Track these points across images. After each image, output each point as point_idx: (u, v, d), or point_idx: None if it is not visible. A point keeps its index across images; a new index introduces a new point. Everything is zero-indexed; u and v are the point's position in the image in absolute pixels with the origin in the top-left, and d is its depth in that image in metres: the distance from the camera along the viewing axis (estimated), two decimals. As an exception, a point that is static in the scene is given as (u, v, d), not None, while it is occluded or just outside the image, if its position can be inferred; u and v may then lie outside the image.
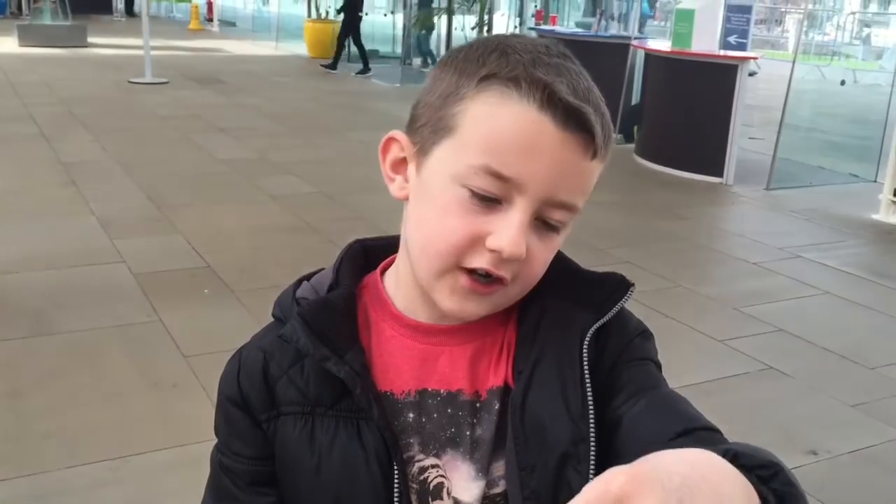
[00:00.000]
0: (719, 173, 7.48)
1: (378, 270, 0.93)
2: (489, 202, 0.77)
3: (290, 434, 0.85)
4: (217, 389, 0.91)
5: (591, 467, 0.81)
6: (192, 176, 6.83)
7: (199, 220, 5.62)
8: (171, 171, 6.93)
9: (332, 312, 0.85)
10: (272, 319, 0.93)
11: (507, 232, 0.76)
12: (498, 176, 0.76)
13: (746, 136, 8.48)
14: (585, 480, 0.79)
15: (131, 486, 2.79)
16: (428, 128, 0.81)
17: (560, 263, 0.91)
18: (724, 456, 0.63)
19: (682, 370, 3.66)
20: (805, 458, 3.13)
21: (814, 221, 6.51)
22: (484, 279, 0.79)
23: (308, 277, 0.93)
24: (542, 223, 0.79)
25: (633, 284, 0.90)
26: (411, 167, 0.83)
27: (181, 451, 2.94)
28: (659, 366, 0.91)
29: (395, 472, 0.82)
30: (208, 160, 7.41)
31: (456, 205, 0.78)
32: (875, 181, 7.63)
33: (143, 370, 3.56)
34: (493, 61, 0.77)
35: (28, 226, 5.33)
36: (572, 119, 0.76)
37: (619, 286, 0.89)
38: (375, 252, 0.93)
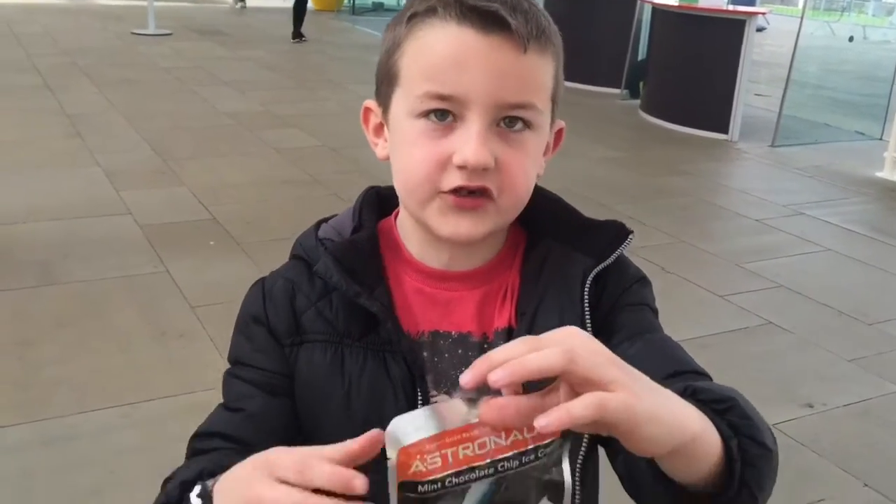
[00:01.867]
0: (724, 130, 7.45)
1: (392, 216, 0.97)
2: (444, 121, 0.81)
3: (319, 360, 0.88)
4: (238, 314, 0.94)
5: (583, 448, 0.86)
6: (196, 128, 6.83)
7: (203, 172, 5.64)
8: (175, 123, 6.92)
9: (359, 252, 0.90)
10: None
11: (468, 145, 0.80)
12: (441, 97, 0.80)
13: (752, 93, 8.43)
14: (574, 459, 0.84)
15: (140, 431, 2.85)
16: (384, 86, 0.88)
17: (562, 211, 0.95)
18: (682, 393, 0.68)
19: (683, 324, 3.70)
20: (801, 411, 3.19)
21: (818, 178, 6.51)
22: (468, 194, 0.82)
23: (325, 220, 0.97)
24: (504, 128, 0.82)
25: (632, 231, 0.93)
26: (385, 128, 0.90)
27: (189, 398, 3.00)
28: (656, 312, 0.94)
29: (420, 403, 0.86)
30: (212, 113, 7.39)
31: (417, 137, 0.82)
32: (881, 139, 7.61)
33: (150, 320, 3.61)
34: (416, 4, 0.84)
35: (34, 177, 5.35)
36: (489, 21, 0.80)
37: (618, 233, 0.92)
38: (389, 199, 0.97)
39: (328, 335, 0.88)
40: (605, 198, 5.41)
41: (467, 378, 0.59)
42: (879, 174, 6.61)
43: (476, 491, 0.62)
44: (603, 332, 0.87)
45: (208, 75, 9.00)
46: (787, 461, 3.10)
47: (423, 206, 0.84)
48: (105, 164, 5.63)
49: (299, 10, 11.50)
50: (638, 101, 8.54)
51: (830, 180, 6.47)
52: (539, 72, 0.83)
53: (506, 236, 0.93)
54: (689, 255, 4.70)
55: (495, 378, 0.58)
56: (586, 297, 0.88)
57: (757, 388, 3.31)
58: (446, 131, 0.81)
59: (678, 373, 0.81)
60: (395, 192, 0.92)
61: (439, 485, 0.61)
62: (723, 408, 0.70)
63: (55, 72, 8.53)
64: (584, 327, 0.87)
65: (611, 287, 0.91)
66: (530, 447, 0.62)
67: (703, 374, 0.84)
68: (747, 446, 0.69)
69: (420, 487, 0.61)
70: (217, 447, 0.87)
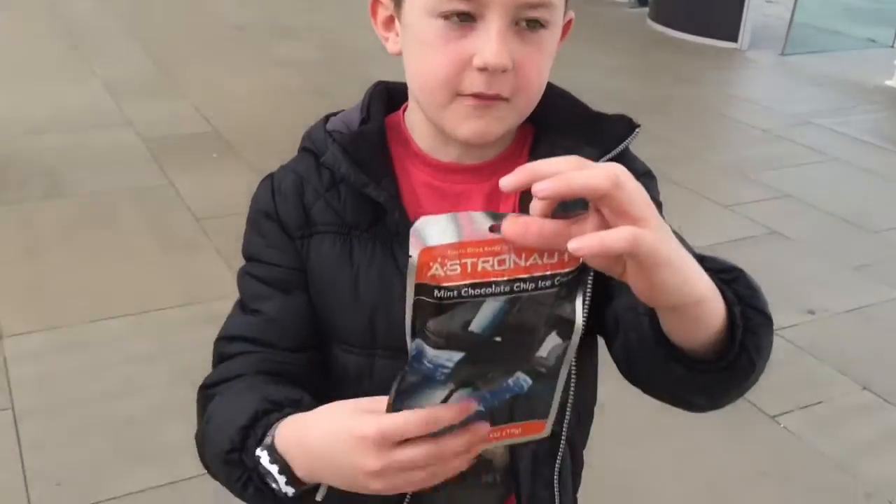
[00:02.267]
0: (734, 38, 7.30)
1: (401, 112, 0.96)
2: (464, 22, 0.80)
3: (328, 251, 0.89)
4: (249, 210, 0.95)
5: (589, 289, 0.87)
6: (197, 39, 6.72)
7: (205, 84, 5.57)
8: (175, 33, 6.80)
9: (367, 144, 0.90)
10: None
11: (488, 45, 0.78)
12: None
13: (763, 0, 8.23)
14: (583, 300, 0.85)
15: (151, 339, 2.90)
16: None
17: (571, 105, 0.94)
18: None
19: (687, 234, 3.65)
20: (802, 317, 3.22)
21: (827, 87, 6.42)
22: (485, 96, 0.81)
23: (334, 114, 0.97)
24: (524, 27, 0.81)
25: (639, 125, 0.93)
26: (397, 21, 0.87)
27: (198, 307, 3.04)
28: (661, 205, 0.94)
29: None
30: (214, 23, 7.26)
31: (436, 37, 0.81)
32: (892, 46, 7.48)
33: (156, 231, 3.63)
34: None
35: (34, 89, 5.30)
36: None
37: (626, 126, 0.92)
38: (397, 93, 0.96)
39: (337, 226, 0.89)
40: (612, 107, 5.24)
41: (509, 181, 0.59)
42: (889, 82, 6.51)
43: (489, 308, 0.63)
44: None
45: (207, -15, 8.80)
46: (787, 365, 3.16)
47: (440, 109, 0.84)
48: (104, 75, 5.57)
49: None
50: (646, 10, 8.35)
51: (840, 89, 6.38)
52: None
53: (515, 131, 0.93)
54: (696, 165, 4.68)
55: (540, 188, 0.58)
56: None
57: (760, 295, 3.35)
58: (465, 31, 0.80)
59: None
60: (404, 87, 0.92)
61: (455, 293, 0.62)
62: (729, 277, 0.73)
63: (51, -18, 8.34)
64: None
65: None
66: (548, 273, 0.63)
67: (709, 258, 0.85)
68: (750, 315, 0.72)
69: (436, 292, 0.62)
70: (242, 350, 0.90)
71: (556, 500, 0.98)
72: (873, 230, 3.99)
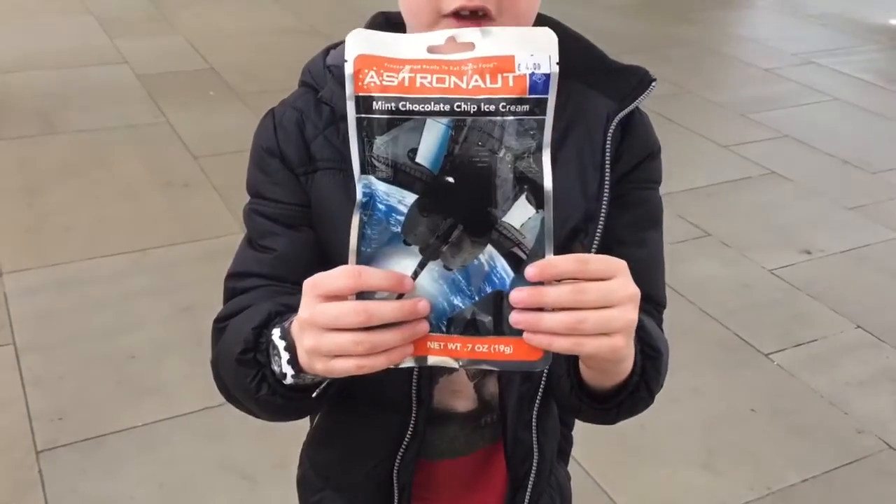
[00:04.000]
0: (737, -25, 7.19)
1: None
2: None
3: (329, 186, 0.89)
4: (251, 145, 0.95)
5: (596, 242, 0.88)
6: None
7: (199, 20, 5.49)
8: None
9: None
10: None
11: None
12: None
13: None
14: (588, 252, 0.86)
15: (151, 276, 2.91)
16: None
17: (586, 51, 0.93)
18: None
19: (686, 174, 3.71)
20: (798, 257, 3.24)
21: (830, 26, 6.34)
22: (470, 17, 0.80)
23: (334, 46, 0.95)
24: None
25: (655, 79, 0.92)
26: None
27: (196, 245, 3.05)
28: (658, 183, 0.97)
29: None
30: (206, -42, 7.11)
31: None
32: (898, -15, 7.35)
33: (154, 169, 3.62)
34: None
35: (25, 26, 5.21)
36: None
37: (642, 80, 0.92)
38: (397, 23, 0.95)
39: (336, 162, 0.89)
40: (612, 47, 5.18)
41: (532, 272, 0.64)
42: (894, 21, 6.43)
43: (432, 133, 0.62)
44: (614, 191, 0.89)
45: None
46: (782, 304, 3.17)
47: (426, 30, 0.82)
48: (97, 10, 5.47)
49: None
50: (648, -55, 8.19)
51: (843, 28, 6.30)
52: None
53: None
54: (695, 105, 4.65)
55: (550, 327, 0.65)
56: (608, 143, 0.89)
57: (756, 236, 3.37)
58: None
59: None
60: (403, 18, 0.91)
61: (394, 105, 0.62)
62: (652, 355, 0.82)
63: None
64: (602, 176, 0.89)
65: (632, 148, 0.92)
66: (493, 97, 0.62)
67: (661, 305, 0.95)
68: (649, 379, 0.82)
69: (375, 104, 0.62)
70: (255, 286, 0.90)
71: (535, 446, 1.00)
72: (871, 171, 3.99)
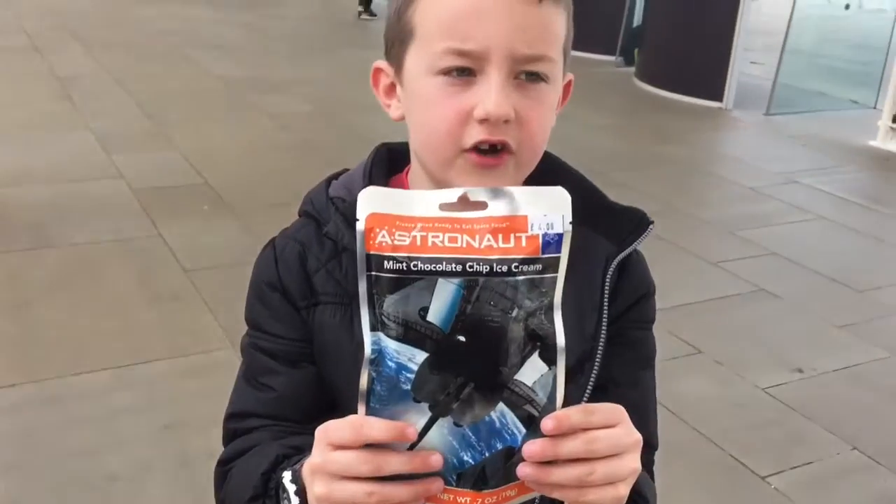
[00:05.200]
0: (719, 98, 7.44)
1: (404, 174, 0.96)
2: (464, 77, 0.80)
3: (330, 321, 0.88)
4: (251, 277, 0.94)
5: (590, 385, 0.87)
6: (188, 92, 6.77)
7: (196, 136, 5.61)
8: (166, 86, 6.86)
9: None
10: (272, 235, 0.96)
11: (488, 96, 0.79)
12: (461, 53, 0.79)
13: (748, 61, 8.40)
14: (582, 395, 0.86)
15: (137, 392, 2.86)
16: (396, 44, 0.86)
17: (586, 189, 0.95)
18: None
19: (676, 290, 3.73)
20: (791, 376, 3.22)
21: (811, 147, 6.51)
22: (490, 153, 0.81)
23: (335, 177, 0.96)
24: (524, 80, 0.82)
25: (652, 221, 0.94)
26: (398, 87, 0.88)
27: (184, 360, 3.01)
28: (653, 321, 0.98)
29: None
30: (204, 76, 7.33)
31: (437, 94, 0.81)
32: (874, 108, 7.61)
33: (144, 283, 3.61)
34: None
35: (25, 140, 5.31)
36: None
37: (640, 222, 0.93)
38: (400, 156, 0.96)
39: (338, 296, 0.88)
40: (600, 165, 5.40)
41: (549, 426, 0.64)
42: (873, 143, 6.62)
43: (444, 290, 0.62)
44: (610, 330, 0.90)
45: (201, 39, 8.91)
46: (777, 424, 3.13)
47: (445, 165, 0.83)
48: (96, 127, 5.59)
49: None
50: (633, 69, 8.50)
51: (824, 149, 6.48)
52: (554, 22, 0.83)
53: None
54: (683, 222, 4.72)
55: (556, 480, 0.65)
56: (607, 285, 0.90)
57: (748, 353, 3.36)
58: (466, 86, 0.80)
59: None
60: (407, 149, 0.92)
61: (405, 265, 0.61)
62: (639, 503, 0.82)
63: (45, 34, 8.43)
64: (599, 316, 0.89)
65: (628, 288, 0.93)
66: (505, 258, 0.62)
67: (654, 448, 0.95)
68: None
69: (386, 263, 0.61)
70: (256, 426, 0.89)
71: None
72: (858, 289, 4.02)
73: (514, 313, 0.63)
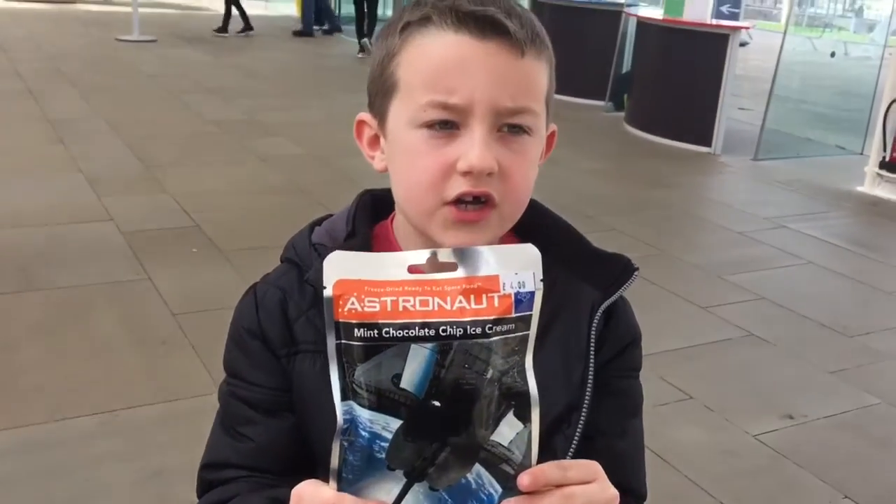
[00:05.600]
0: (708, 143, 7.50)
1: (389, 221, 0.95)
2: (447, 130, 0.81)
3: (310, 370, 0.87)
4: (231, 324, 0.93)
5: (577, 434, 0.86)
6: (180, 135, 6.80)
7: (187, 179, 5.61)
8: (158, 130, 6.89)
9: None
10: (262, 275, 0.96)
11: (472, 150, 0.79)
12: (444, 106, 0.80)
13: (736, 107, 8.49)
14: (569, 446, 0.85)
15: (120, 439, 2.82)
16: (379, 97, 0.86)
17: (571, 237, 0.95)
18: None
19: (665, 336, 3.72)
20: (781, 422, 3.20)
21: (799, 192, 6.56)
22: (471, 206, 0.81)
23: (318, 223, 0.96)
24: (507, 133, 0.82)
25: (637, 268, 0.94)
26: (382, 139, 0.89)
27: (169, 406, 2.98)
28: (639, 369, 0.98)
29: None
30: (196, 120, 7.37)
31: (420, 146, 0.82)
32: (861, 153, 7.69)
33: (131, 327, 3.58)
34: (408, 14, 0.83)
35: (16, 182, 5.31)
36: (487, 26, 0.79)
37: (625, 268, 0.93)
38: (384, 203, 0.96)
39: (318, 344, 0.86)
40: (590, 209, 5.42)
41: (525, 482, 0.63)
42: (860, 188, 6.67)
43: (417, 357, 0.60)
44: (596, 378, 0.89)
45: (193, 82, 8.98)
46: (768, 472, 3.10)
47: (426, 217, 0.83)
48: (87, 170, 5.59)
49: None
50: (622, 114, 8.58)
51: (812, 194, 6.53)
52: (536, 75, 0.83)
53: (499, 242, 0.93)
54: (672, 267, 4.72)
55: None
56: (593, 333, 0.89)
57: (738, 400, 3.34)
58: (449, 139, 0.80)
59: (619, 488, 0.85)
60: (391, 195, 0.92)
61: (376, 332, 0.60)
62: None
63: (38, 77, 8.48)
64: (586, 365, 0.89)
65: (614, 336, 0.93)
66: (478, 319, 0.61)
67: (642, 498, 0.94)
68: None
69: (357, 331, 0.60)
70: (232, 476, 0.87)
71: None
72: (849, 334, 4.02)
73: (489, 374, 0.62)
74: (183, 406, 2.94)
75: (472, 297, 0.62)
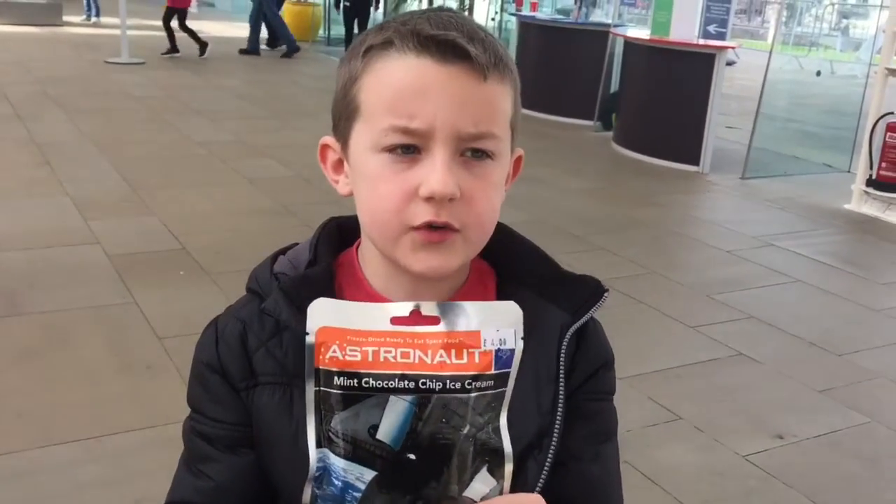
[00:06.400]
0: (695, 162, 7.54)
1: (354, 248, 0.94)
2: (409, 155, 0.80)
3: (269, 403, 0.86)
4: (193, 358, 0.92)
5: (549, 460, 0.85)
6: (168, 158, 6.79)
7: (174, 202, 5.59)
8: (146, 152, 6.88)
9: (312, 288, 0.85)
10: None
11: (433, 175, 0.78)
12: (405, 130, 0.79)
13: (723, 126, 8.55)
14: (541, 471, 0.83)
15: (104, 466, 2.79)
16: (342, 121, 0.86)
17: (539, 260, 0.94)
18: None
19: (654, 355, 3.71)
20: (771, 442, 3.19)
21: (787, 210, 6.59)
22: (435, 228, 0.80)
23: (283, 252, 0.95)
24: (469, 157, 0.81)
25: (607, 290, 0.92)
26: (346, 163, 0.88)
27: (155, 431, 2.95)
28: (613, 392, 0.96)
29: None
30: (184, 142, 7.36)
31: (382, 171, 0.81)
32: (848, 171, 7.73)
33: (117, 351, 3.55)
34: (370, 37, 0.83)
35: (1, 205, 5.28)
36: (448, 51, 0.79)
37: (594, 291, 0.92)
38: (350, 230, 0.95)
39: (277, 376, 0.85)
40: (578, 229, 5.43)
41: None
42: (847, 206, 6.70)
43: (395, 408, 0.60)
44: (568, 402, 0.88)
45: (181, 104, 8.98)
46: (758, 493, 3.09)
47: (392, 243, 0.82)
48: (74, 193, 5.57)
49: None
50: (610, 133, 8.62)
51: (800, 212, 6.55)
52: (499, 99, 0.82)
53: (469, 267, 0.92)
54: (661, 286, 4.72)
55: None
56: (562, 356, 0.88)
57: (727, 420, 3.32)
58: (411, 163, 0.80)
59: None
60: (357, 222, 0.91)
61: (356, 381, 0.59)
62: None
63: (26, 100, 8.46)
64: (556, 389, 0.87)
65: (586, 359, 0.91)
66: (457, 374, 0.61)
67: None
68: None
69: (336, 379, 0.59)
70: None
71: None
72: (837, 353, 4.01)
73: (465, 429, 0.62)
74: (168, 431, 2.90)
75: (453, 351, 0.61)
